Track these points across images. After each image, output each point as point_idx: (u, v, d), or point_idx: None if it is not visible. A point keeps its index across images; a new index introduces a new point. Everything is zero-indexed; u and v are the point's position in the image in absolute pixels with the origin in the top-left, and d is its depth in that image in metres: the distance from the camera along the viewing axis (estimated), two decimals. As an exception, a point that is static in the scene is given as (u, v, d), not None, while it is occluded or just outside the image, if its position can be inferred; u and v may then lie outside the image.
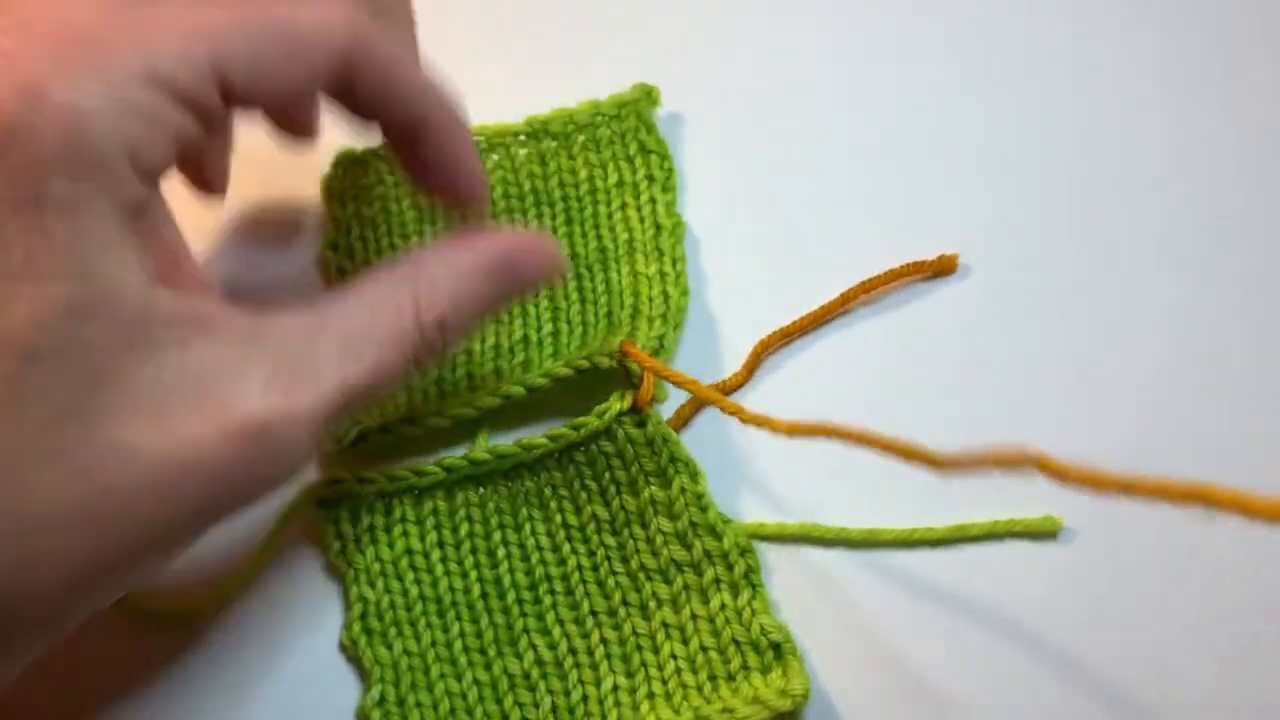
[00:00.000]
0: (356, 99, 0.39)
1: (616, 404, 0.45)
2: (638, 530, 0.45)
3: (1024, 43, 0.54)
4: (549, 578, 0.46)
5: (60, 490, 0.30)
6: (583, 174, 0.53)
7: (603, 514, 0.45)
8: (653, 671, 0.44)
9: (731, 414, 0.43)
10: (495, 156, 0.53)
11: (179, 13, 0.34)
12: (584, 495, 0.45)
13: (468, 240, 0.39)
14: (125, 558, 0.32)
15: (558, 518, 0.46)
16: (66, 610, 0.32)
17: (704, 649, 0.44)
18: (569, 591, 0.45)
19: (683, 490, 0.44)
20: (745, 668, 0.43)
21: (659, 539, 0.44)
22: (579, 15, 0.58)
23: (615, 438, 0.45)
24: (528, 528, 0.46)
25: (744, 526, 0.45)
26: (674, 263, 0.50)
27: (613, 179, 0.53)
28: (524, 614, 0.45)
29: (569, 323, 0.50)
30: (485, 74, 0.53)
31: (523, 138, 0.53)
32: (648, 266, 0.50)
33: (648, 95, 0.53)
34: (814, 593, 0.45)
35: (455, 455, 0.47)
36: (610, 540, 0.45)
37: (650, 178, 0.52)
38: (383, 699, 0.46)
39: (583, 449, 0.45)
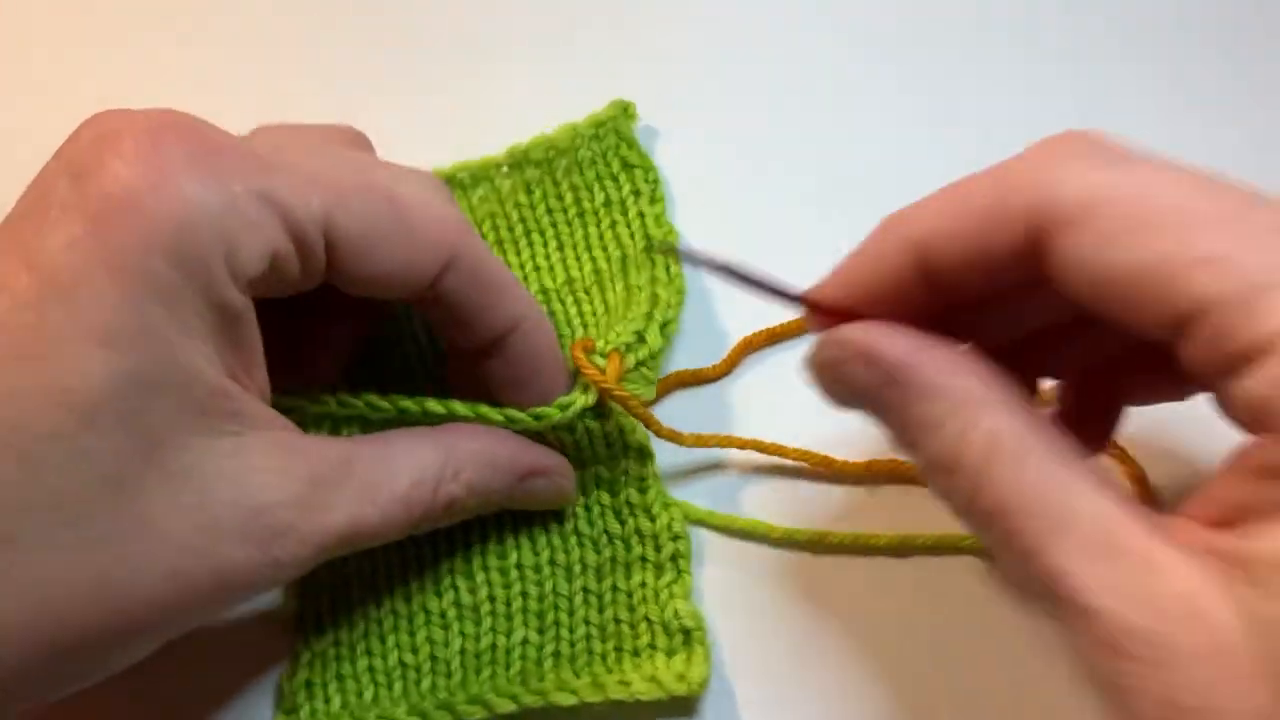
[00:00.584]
0: (450, 302, 0.41)
1: (580, 399, 0.45)
2: (578, 497, 0.46)
3: (1014, 46, 0.56)
4: (482, 524, 0.47)
5: (75, 553, 0.31)
6: (569, 198, 0.52)
7: None
8: (563, 632, 0.45)
9: (650, 429, 0.45)
10: (480, 191, 0.53)
11: (314, 165, 0.37)
12: None
13: (504, 437, 0.43)
14: (120, 633, 0.33)
15: None
16: (46, 677, 0.33)
17: (617, 620, 0.45)
18: (500, 541, 0.46)
19: (626, 471, 0.46)
20: (652, 646, 0.44)
21: (596, 509, 0.46)
22: (551, 39, 0.59)
23: (574, 429, 0.46)
24: None
25: (694, 511, 0.46)
26: (666, 267, 0.50)
27: (599, 199, 0.52)
28: (451, 555, 0.47)
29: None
30: (460, 108, 0.55)
31: (506, 169, 0.53)
32: (639, 276, 0.50)
33: (624, 111, 0.53)
34: (749, 589, 0.46)
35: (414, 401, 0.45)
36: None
37: (636, 192, 0.52)
38: (302, 610, 0.47)
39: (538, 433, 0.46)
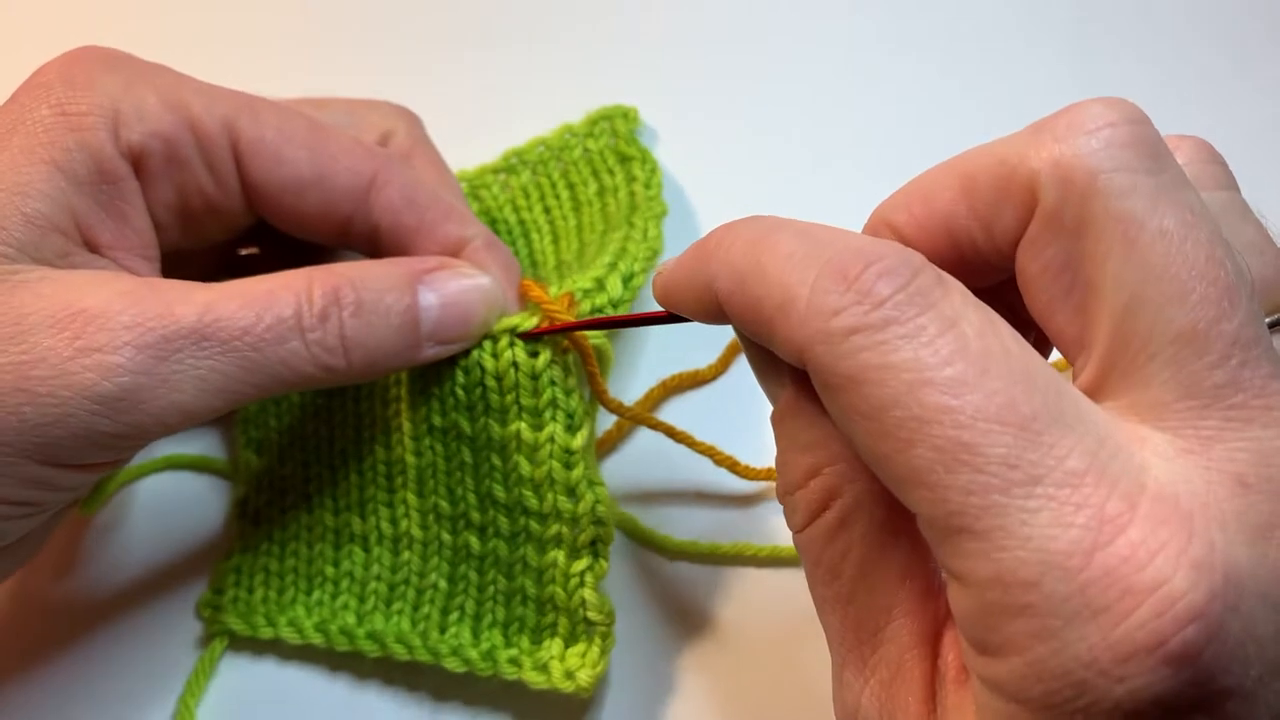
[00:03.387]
0: (385, 227, 0.42)
1: (514, 319, 0.40)
2: (496, 459, 0.41)
3: (1016, 47, 0.57)
4: (404, 463, 0.43)
5: None
6: (565, 195, 0.51)
7: (465, 428, 0.41)
8: (471, 590, 0.43)
9: (587, 367, 0.41)
10: (482, 196, 0.52)
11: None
12: (451, 401, 0.41)
13: (390, 259, 0.41)
14: None
15: (422, 410, 0.42)
16: None
17: (524, 595, 0.41)
18: (420, 482, 0.43)
19: (552, 439, 0.40)
20: (553, 630, 0.41)
21: (513, 477, 0.41)
22: (549, 44, 0.59)
23: (499, 355, 0.40)
24: (394, 407, 0.44)
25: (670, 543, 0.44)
26: (644, 223, 0.46)
27: (593, 189, 0.51)
28: (375, 484, 0.44)
29: None
30: (456, 113, 0.55)
31: (503, 176, 0.53)
32: (615, 236, 0.46)
33: (625, 115, 0.53)
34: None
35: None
36: (468, 456, 0.42)
37: (631, 178, 0.49)
38: (244, 500, 0.47)
39: (462, 354, 0.41)
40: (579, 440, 0.40)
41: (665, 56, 0.57)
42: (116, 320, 0.34)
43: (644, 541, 0.46)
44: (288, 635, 0.44)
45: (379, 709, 0.44)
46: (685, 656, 0.43)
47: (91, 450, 0.35)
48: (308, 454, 0.46)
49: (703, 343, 0.49)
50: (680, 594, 0.45)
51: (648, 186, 0.49)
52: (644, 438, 0.48)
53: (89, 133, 0.37)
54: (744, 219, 0.30)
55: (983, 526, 0.23)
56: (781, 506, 0.31)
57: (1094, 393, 0.26)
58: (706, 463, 0.44)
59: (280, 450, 0.47)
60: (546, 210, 0.51)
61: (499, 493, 0.41)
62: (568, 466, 0.40)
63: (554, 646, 0.41)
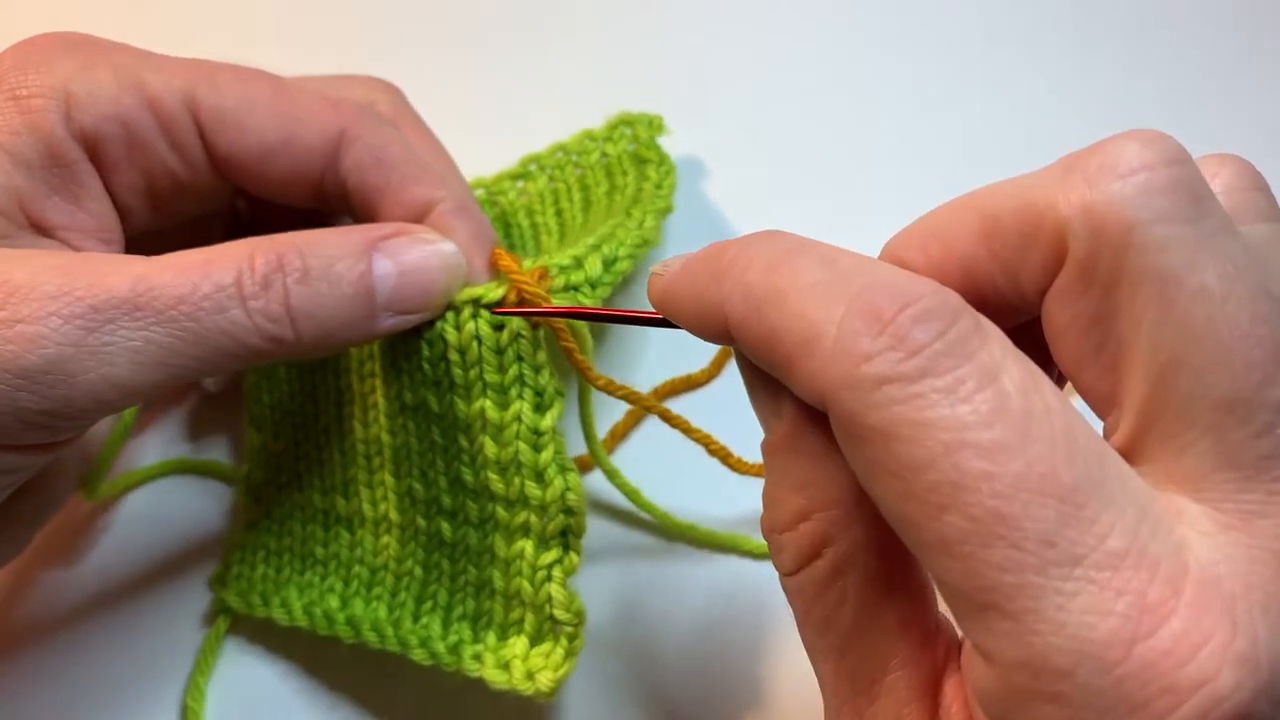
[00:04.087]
0: (354, 187, 0.40)
1: (479, 290, 0.37)
2: (463, 440, 0.38)
3: (1025, 56, 0.56)
4: (380, 442, 0.42)
5: None
6: (578, 197, 0.50)
7: (433, 405, 0.39)
8: (444, 579, 0.40)
9: (561, 343, 0.38)
10: (499, 202, 0.51)
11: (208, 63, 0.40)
12: (419, 375, 0.39)
13: (345, 228, 0.38)
14: None
15: (394, 387, 0.40)
16: None
17: (491, 587, 0.39)
18: (396, 463, 0.41)
19: (519, 418, 0.37)
20: (519, 627, 0.38)
21: (480, 459, 0.38)
22: (569, 51, 0.59)
23: (461, 327, 0.37)
24: (369, 383, 0.42)
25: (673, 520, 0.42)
26: (642, 214, 0.43)
27: (604, 188, 0.49)
28: (356, 464, 0.43)
29: None
30: (482, 123, 0.55)
31: (521, 183, 0.51)
32: (610, 221, 0.44)
33: (648, 122, 0.51)
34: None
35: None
36: (438, 435, 0.39)
37: (644, 177, 0.48)
38: (249, 477, 0.47)
39: (427, 325, 0.38)
40: (548, 420, 0.37)
41: (694, 68, 0.56)
42: (41, 290, 0.32)
43: (645, 516, 0.44)
44: (278, 615, 0.43)
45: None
46: (682, 651, 0.42)
47: (22, 429, 0.33)
48: (296, 431, 0.45)
49: (699, 344, 0.47)
50: (679, 585, 0.44)
51: (659, 186, 0.47)
52: (649, 436, 0.47)
53: (38, 115, 0.36)
54: (762, 235, 0.28)
55: (1015, 608, 0.21)
56: (767, 542, 0.29)
57: (1127, 455, 0.24)
58: (713, 463, 0.42)
59: (274, 426, 0.46)
60: (559, 213, 0.50)
61: (467, 476, 0.39)
62: (536, 449, 0.37)
63: (518, 645, 0.38)
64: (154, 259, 0.35)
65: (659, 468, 0.45)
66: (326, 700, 0.43)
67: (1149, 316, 0.23)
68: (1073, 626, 0.21)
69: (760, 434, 0.40)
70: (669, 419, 0.40)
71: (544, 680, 0.37)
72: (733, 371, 0.48)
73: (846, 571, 0.27)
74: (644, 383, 0.48)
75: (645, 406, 0.40)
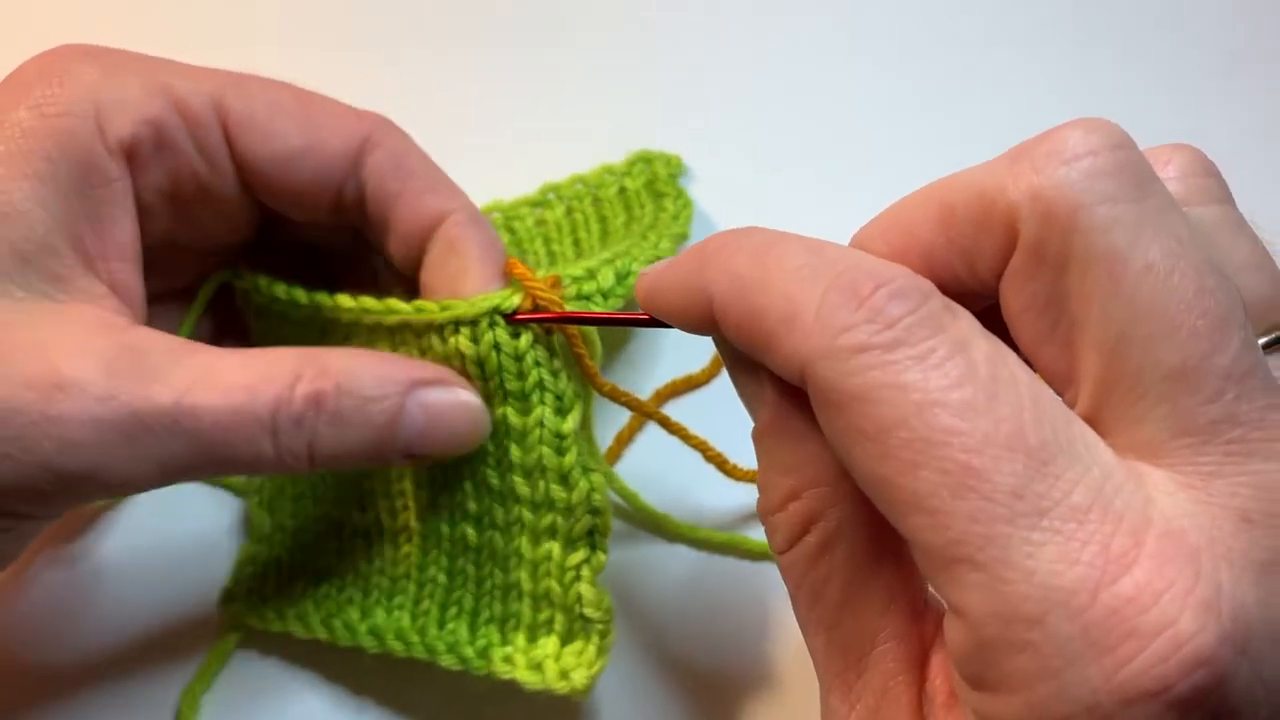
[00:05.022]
0: (373, 194, 0.41)
1: (495, 298, 0.37)
2: (489, 444, 0.39)
3: (1034, 66, 0.57)
4: None
5: None
6: (595, 228, 0.50)
7: None
8: (470, 584, 0.41)
9: (573, 349, 0.38)
10: (515, 228, 0.51)
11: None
12: None
13: (387, 355, 0.39)
14: None
15: None
16: None
17: (519, 589, 0.39)
18: (419, 473, 0.41)
19: (541, 423, 0.37)
20: (549, 627, 0.39)
21: (505, 463, 0.38)
22: (597, 89, 0.59)
23: (479, 339, 0.37)
24: None
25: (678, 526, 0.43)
26: (657, 237, 0.44)
27: (620, 219, 0.50)
28: (372, 475, 0.43)
29: None
30: (501, 150, 0.55)
31: (539, 210, 0.52)
32: (624, 243, 0.45)
33: (666, 161, 0.52)
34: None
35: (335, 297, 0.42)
36: None
37: (661, 209, 0.49)
38: (261, 490, 0.46)
39: (438, 337, 0.38)
40: (569, 423, 0.37)
41: (713, 104, 0.57)
42: (89, 390, 0.33)
43: (646, 521, 0.45)
44: (295, 630, 0.43)
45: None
46: (680, 646, 0.43)
47: (39, 509, 0.35)
48: None
49: (698, 346, 0.47)
50: (679, 583, 0.44)
51: (676, 216, 0.47)
52: (653, 441, 0.47)
53: (71, 136, 0.36)
54: (746, 228, 0.29)
55: (985, 557, 0.22)
56: (763, 525, 0.30)
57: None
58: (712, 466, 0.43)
59: None
60: (576, 243, 0.50)
61: (492, 479, 0.39)
62: (559, 452, 0.37)
63: (549, 645, 0.38)
64: (200, 359, 0.35)
65: (660, 470, 0.45)
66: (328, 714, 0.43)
67: (1098, 294, 0.24)
68: (1041, 574, 0.22)
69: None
70: (668, 426, 0.41)
71: (578, 678, 0.37)
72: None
73: (834, 546, 0.28)
74: (648, 386, 0.48)
75: (646, 414, 0.40)
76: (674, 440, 0.42)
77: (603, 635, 0.38)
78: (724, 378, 0.48)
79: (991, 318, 0.27)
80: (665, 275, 0.30)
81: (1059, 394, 0.26)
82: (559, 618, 0.38)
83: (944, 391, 0.23)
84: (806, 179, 0.54)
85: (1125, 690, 0.21)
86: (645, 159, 0.52)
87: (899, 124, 0.56)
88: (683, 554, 0.44)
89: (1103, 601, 0.21)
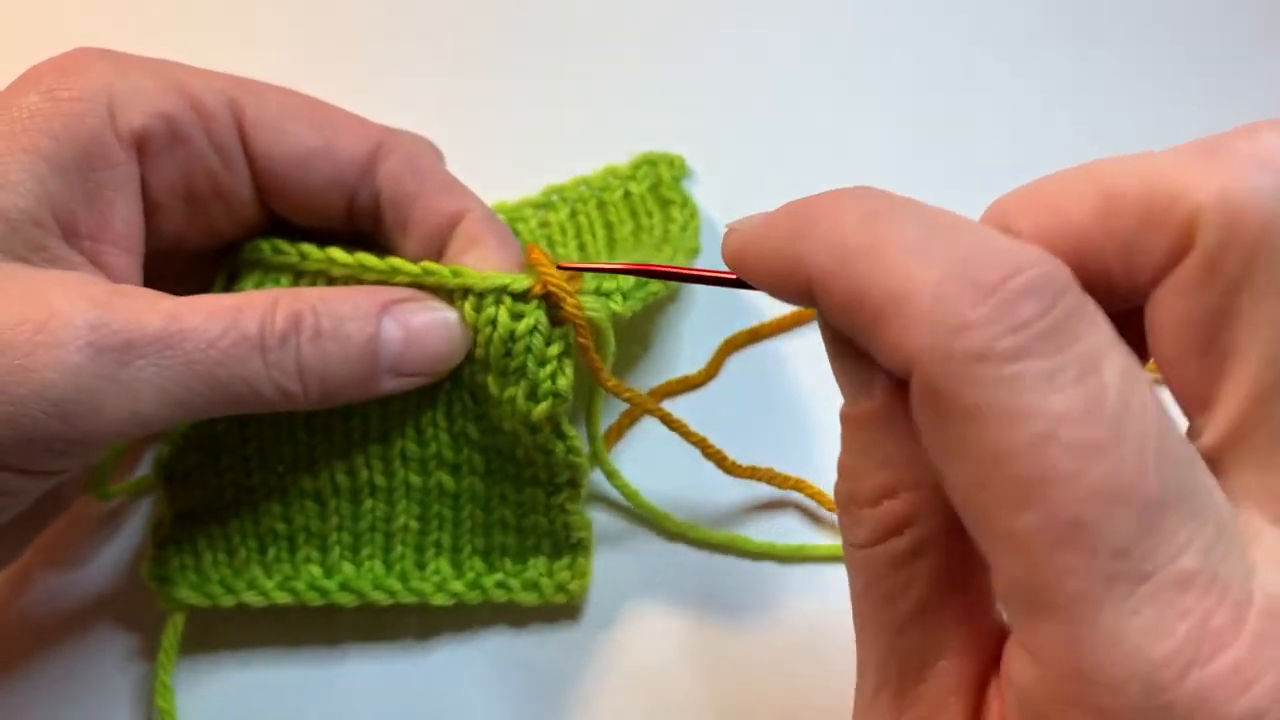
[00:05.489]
0: (389, 196, 0.42)
1: (507, 278, 0.39)
2: (468, 400, 0.42)
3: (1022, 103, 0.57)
4: (366, 412, 0.42)
5: None
6: (601, 234, 0.51)
7: None
8: (446, 525, 0.44)
9: (580, 338, 0.40)
10: (519, 230, 0.51)
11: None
12: None
13: (362, 287, 0.40)
14: None
15: None
16: None
17: (503, 524, 0.44)
18: (385, 429, 0.43)
19: (513, 400, 0.40)
20: (536, 549, 0.44)
21: (485, 421, 0.42)
22: (600, 90, 0.58)
23: (481, 309, 0.39)
24: None
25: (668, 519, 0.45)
26: (673, 252, 0.45)
27: (628, 228, 0.50)
28: (329, 438, 0.43)
29: None
30: (505, 152, 0.55)
31: (542, 211, 0.52)
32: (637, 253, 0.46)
33: (670, 162, 0.53)
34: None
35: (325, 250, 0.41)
36: (439, 392, 0.42)
37: (669, 219, 0.49)
38: (170, 462, 0.43)
39: (448, 299, 0.40)
40: (538, 411, 0.40)
41: (715, 106, 0.57)
42: (80, 319, 0.34)
43: (645, 519, 0.46)
44: (251, 599, 0.42)
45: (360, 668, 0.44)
46: (680, 645, 0.44)
47: (43, 456, 0.35)
48: (244, 414, 0.43)
49: (698, 345, 0.50)
50: (679, 582, 0.45)
51: (684, 229, 0.48)
52: (651, 439, 0.48)
53: (79, 119, 0.36)
54: (855, 189, 0.26)
55: (1074, 614, 0.21)
56: (839, 514, 0.28)
57: (1210, 463, 0.23)
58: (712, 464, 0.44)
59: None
60: (581, 246, 0.50)
61: (472, 432, 0.42)
62: (530, 431, 0.41)
63: (540, 564, 0.44)
64: (185, 299, 0.36)
65: (660, 468, 0.46)
66: (297, 688, 0.44)
67: (1271, 325, 0.22)
68: (1130, 643, 0.20)
69: (751, 434, 0.47)
70: (669, 422, 0.43)
71: (575, 587, 0.43)
72: (730, 373, 0.49)
73: (922, 555, 0.26)
74: (643, 386, 0.49)
75: (648, 410, 0.43)
76: (671, 439, 0.43)
77: (587, 550, 0.44)
78: (722, 378, 0.49)
79: (1116, 320, 0.24)
80: (759, 237, 0.27)
81: (1188, 417, 0.24)
82: (545, 542, 0.44)
83: (1067, 426, 0.20)
84: (811, 178, 0.51)
85: None
86: (649, 161, 0.52)
87: (904, 120, 0.56)
88: (682, 552, 0.46)
89: (1192, 681, 0.20)
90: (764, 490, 0.46)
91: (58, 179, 0.36)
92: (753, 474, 0.45)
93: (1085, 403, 0.21)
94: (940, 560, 0.26)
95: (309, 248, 0.41)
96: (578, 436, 0.42)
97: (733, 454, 0.44)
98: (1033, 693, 0.22)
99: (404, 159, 0.42)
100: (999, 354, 0.21)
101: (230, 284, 0.43)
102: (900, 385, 0.24)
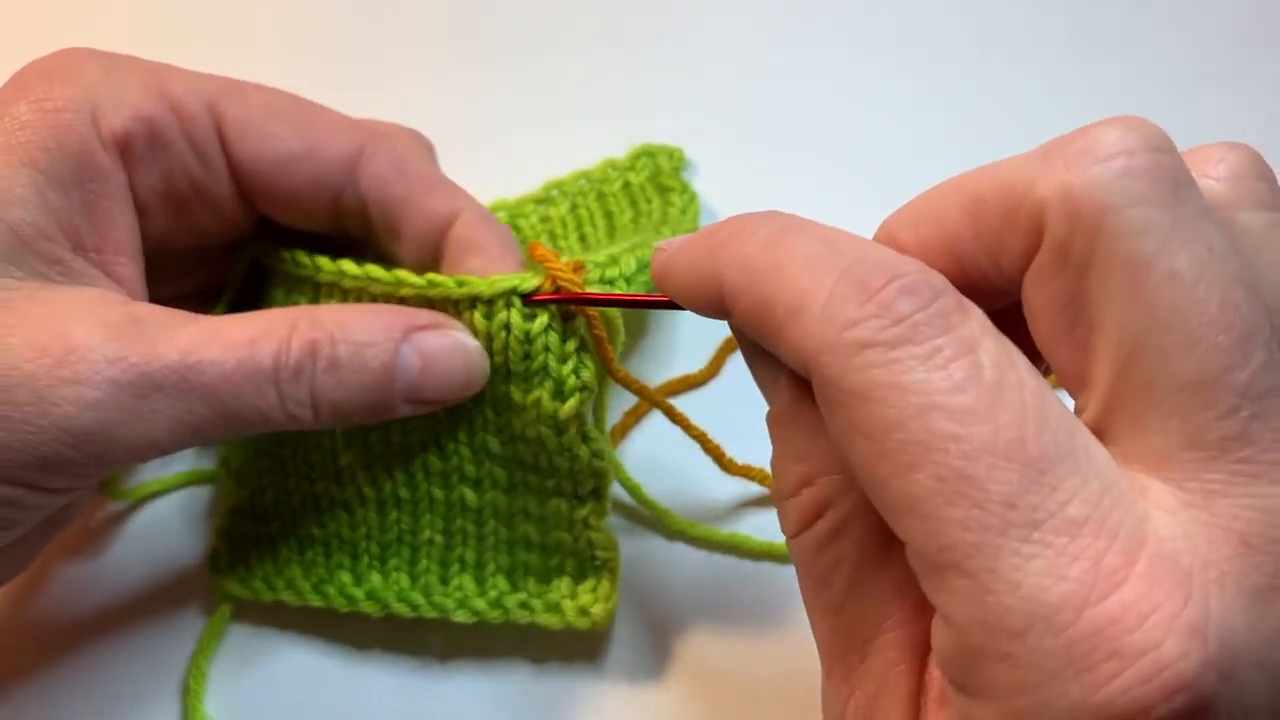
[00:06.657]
0: (377, 199, 0.41)
1: (514, 280, 0.38)
2: (489, 413, 0.40)
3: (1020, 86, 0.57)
4: (386, 426, 0.42)
5: None
6: (601, 224, 0.51)
7: None
8: (470, 541, 0.43)
9: (593, 330, 0.39)
10: (520, 226, 0.51)
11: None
12: None
13: (382, 306, 0.39)
14: None
15: None
16: None
17: (526, 541, 0.42)
18: (406, 442, 0.42)
19: (539, 404, 0.39)
20: (560, 570, 0.42)
21: (507, 433, 0.40)
22: (600, 84, 0.59)
23: (492, 315, 0.38)
24: None
25: (678, 523, 0.44)
26: (672, 230, 0.45)
27: (628, 216, 0.50)
28: (353, 448, 0.42)
29: None
30: (503, 148, 0.55)
31: (543, 207, 0.52)
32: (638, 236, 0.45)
33: (669, 154, 0.53)
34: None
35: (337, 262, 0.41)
36: (459, 409, 0.40)
37: (669, 204, 0.49)
38: (228, 460, 0.45)
39: (453, 312, 0.39)
40: (566, 409, 0.38)
41: (713, 97, 0.57)
42: (99, 352, 0.34)
43: (645, 515, 0.46)
44: (287, 597, 0.43)
45: (383, 677, 0.44)
46: (679, 644, 0.44)
47: (59, 478, 0.35)
48: None
49: (696, 346, 0.49)
50: (676, 578, 0.45)
51: (684, 212, 0.48)
52: (654, 433, 0.48)
53: (68, 129, 0.36)
54: (762, 213, 0.29)
55: (973, 566, 0.22)
56: (776, 508, 0.30)
57: (1097, 434, 0.24)
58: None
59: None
60: (582, 238, 0.50)
61: (494, 445, 0.41)
62: (557, 432, 0.39)
63: (563, 586, 0.42)
64: (199, 322, 0.36)
65: (659, 461, 0.46)
66: (331, 685, 0.44)
67: (1118, 300, 0.23)
68: (1027, 588, 0.22)
69: (752, 433, 0.43)
70: (672, 416, 0.42)
71: (598, 612, 0.41)
72: (730, 372, 0.49)
73: (844, 534, 0.28)
74: (649, 382, 0.48)
75: (654, 402, 0.42)
76: (673, 434, 0.43)
77: (612, 571, 0.41)
78: (722, 378, 0.49)
79: (1012, 315, 0.27)
80: (679, 256, 0.30)
81: (1073, 395, 0.26)
82: (569, 562, 0.42)
83: (946, 394, 0.23)
84: (808, 171, 0.55)
85: (1103, 710, 0.21)
86: (648, 152, 0.52)
87: (902, 115, 0.56)
88: (682, 551, 0.45)
89: (1087, 619, 0.21)
90: (765, 490, 0.45)
91: (56, 193, 0.36)
92: (747, 473, 0.44)
93: (963, 377, 0.23)
94: (862, 538, 0.28)
95: (324, 260, 0.41)
96: (602, 439, 0.40)
97: (732, 452, 0.44)
98: (950, 655, 0.24)
99: (388, 161, 0.41)
100: (882, 341, 0.24)
101: (242, 290, 0.44)
102: (804, 383, 0.27)
